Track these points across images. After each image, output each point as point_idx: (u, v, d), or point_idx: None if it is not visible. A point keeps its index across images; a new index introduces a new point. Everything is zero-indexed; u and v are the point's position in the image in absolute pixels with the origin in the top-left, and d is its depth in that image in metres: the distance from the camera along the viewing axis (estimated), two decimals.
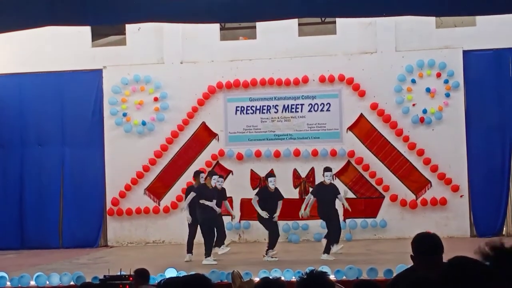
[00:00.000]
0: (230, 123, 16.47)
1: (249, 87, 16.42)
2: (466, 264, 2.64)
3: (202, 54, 16.62)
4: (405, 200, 15.83)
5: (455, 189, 15.68)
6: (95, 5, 9.97)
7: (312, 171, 16.00)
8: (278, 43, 16.35)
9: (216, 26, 16.50)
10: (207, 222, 12.79)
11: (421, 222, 15.31)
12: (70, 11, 10.09)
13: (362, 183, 16.04)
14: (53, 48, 16.68)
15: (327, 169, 13.29)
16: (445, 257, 4.82)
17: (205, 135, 16.56)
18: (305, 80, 16.25)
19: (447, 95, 15.81)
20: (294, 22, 16.23)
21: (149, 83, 16.66)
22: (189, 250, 13.07)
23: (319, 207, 13.24)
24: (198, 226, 13.07)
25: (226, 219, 14.19)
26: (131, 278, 9.53)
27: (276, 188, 13.16)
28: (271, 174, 13.63)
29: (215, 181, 13.12)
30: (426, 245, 4.18)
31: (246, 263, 12.12)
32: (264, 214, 12.83)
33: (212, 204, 12.77)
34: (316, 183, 14.64)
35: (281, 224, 15.63)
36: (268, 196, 13.02)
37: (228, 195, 14.18)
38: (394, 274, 9.45)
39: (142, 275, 7.94)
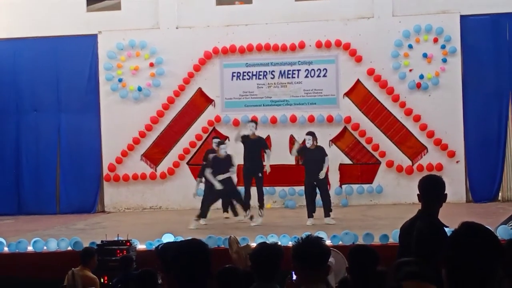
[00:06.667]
0: (227, 89, 16.41)
1: (245, 52, 16.33)
2: (475, 229, 2.65)
3: (198, 19, 16.49)
4: (401, 166, 15.85)
5: (451, 155, 15.70)
6: None
7: None
8: (274, 8, 16.21)
9: None
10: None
11: (417, 188, 15.28)
12: None
13: (359, 149, 16.05)
14: (48, 12, 16.52)
15: (308, 133, 13.23)
16: (443, 221, 4.86)
17: (201, 101, 16.51)
18: (302, 45, 16.16)
19: (444, 61, 15.75)
20: None
21: (145, 49, 16.55)
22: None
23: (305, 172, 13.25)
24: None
25: None
26: (128, 243, 9.62)
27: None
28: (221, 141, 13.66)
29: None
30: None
31: (243, 229, 12.18)
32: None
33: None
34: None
35: (278, 190, 15.71)
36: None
37: None
38: (390, 240, 9.55)
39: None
